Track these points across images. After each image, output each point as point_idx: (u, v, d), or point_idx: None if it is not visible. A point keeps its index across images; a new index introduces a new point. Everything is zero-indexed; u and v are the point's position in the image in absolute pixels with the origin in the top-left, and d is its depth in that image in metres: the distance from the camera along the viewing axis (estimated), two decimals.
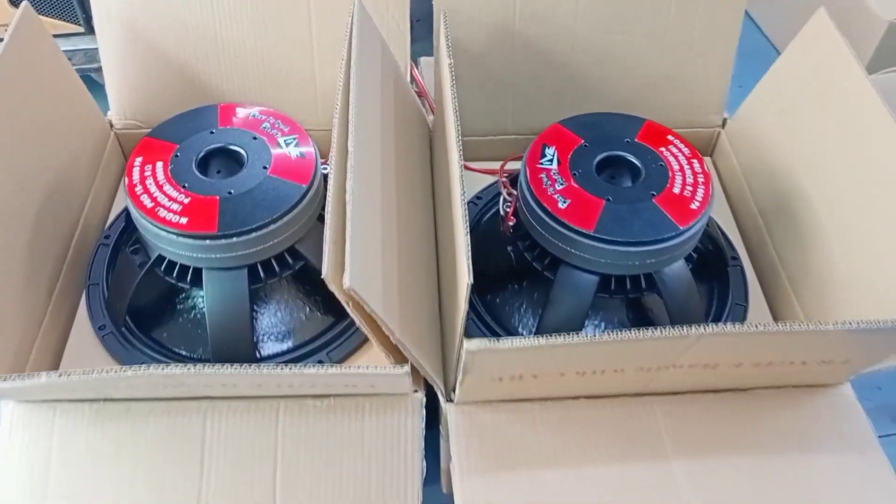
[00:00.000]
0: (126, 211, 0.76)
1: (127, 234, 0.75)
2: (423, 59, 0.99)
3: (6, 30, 1.04)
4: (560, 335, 0.48)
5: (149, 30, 0.77)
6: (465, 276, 0.51)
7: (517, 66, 0.80)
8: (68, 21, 1.03)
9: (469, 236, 0.51)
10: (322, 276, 0.49)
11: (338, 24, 0.78)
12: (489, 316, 0.71)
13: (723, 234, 0.77)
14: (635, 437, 0.60)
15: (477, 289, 0.73)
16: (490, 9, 0.76)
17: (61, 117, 0.74)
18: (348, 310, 0.53)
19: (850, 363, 0.58)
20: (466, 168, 0.85)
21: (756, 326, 0.49)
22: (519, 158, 0.77)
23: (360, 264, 0.50)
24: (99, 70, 0.85)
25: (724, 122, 0.87)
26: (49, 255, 0.70)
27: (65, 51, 1.02)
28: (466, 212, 0.53)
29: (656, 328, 0.48)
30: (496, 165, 0.85)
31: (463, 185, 0.55)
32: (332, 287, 0.50)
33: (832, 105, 0.71)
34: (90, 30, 1.02)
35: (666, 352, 0.52)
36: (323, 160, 0.71)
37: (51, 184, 0.71)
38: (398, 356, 0.57)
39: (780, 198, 0.75)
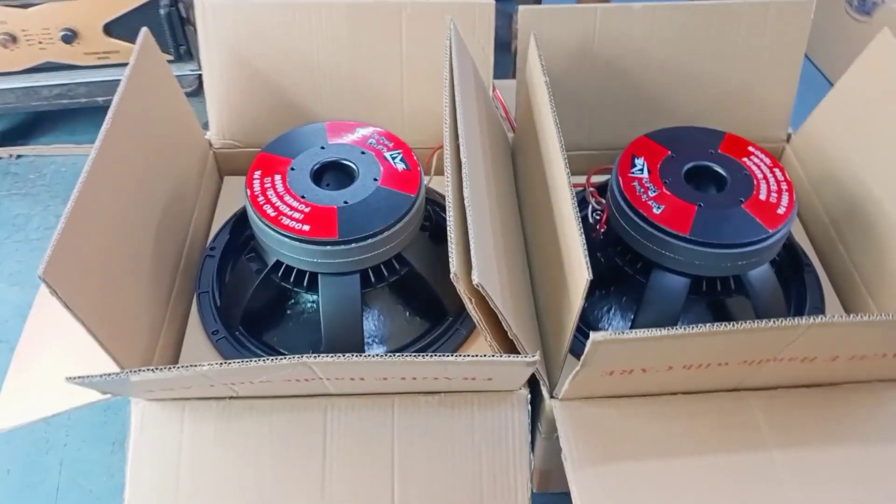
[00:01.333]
0: (230, 224, 0.81)
1: (232, 246, 0.79)
2: (496, 83, 1.03)
3: (98, 57, 1.11)
4: (681, 327, 0.52)
5: (251, 55, 0.83)
6: (583, 273, 0.55)
7: (593, 85, 0.85)
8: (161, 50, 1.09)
9: (584, 236, 0.55)
10: (451, 275, 0.53)
11: (425, 48, 0.83)
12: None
13: (795, 241, 0.81)
14: (734, 428, 0.63)
15: None
16: (571, 31, 0.81)
17: (174, 136, 0.79)
18: (469, 307, 0.57)
19: None
20: None
21: (862, 316, 0.52)
22: (602, 171, 0.81)
23: (484, 262, 0.55)
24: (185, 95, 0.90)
25: (789, 136, 0.91)
26: (167, 263, 0.75)
27: None
28: (578, 212, 0.57)
29: (768, 320, 0.52)
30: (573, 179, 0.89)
31: (572, 188, 0.60)
32: (460, 284, 0.54)
33: None
34: (179, 58, 1.09)
35: (774, 343, 0.56)
36: None
37: (167, 198, 0.76)
38: (509, 352, 0.61)
39: (851, 205, 0.79)
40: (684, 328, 0.52)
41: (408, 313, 0.75)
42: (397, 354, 0.55)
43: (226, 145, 0.88)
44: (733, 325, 0.52)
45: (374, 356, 0.54)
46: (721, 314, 0.75)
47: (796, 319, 0.52)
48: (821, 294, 0.77)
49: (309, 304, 0.74)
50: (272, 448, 0.64)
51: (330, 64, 0.83)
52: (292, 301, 0.75)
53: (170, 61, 1.09)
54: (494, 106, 0.88)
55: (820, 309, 0.75)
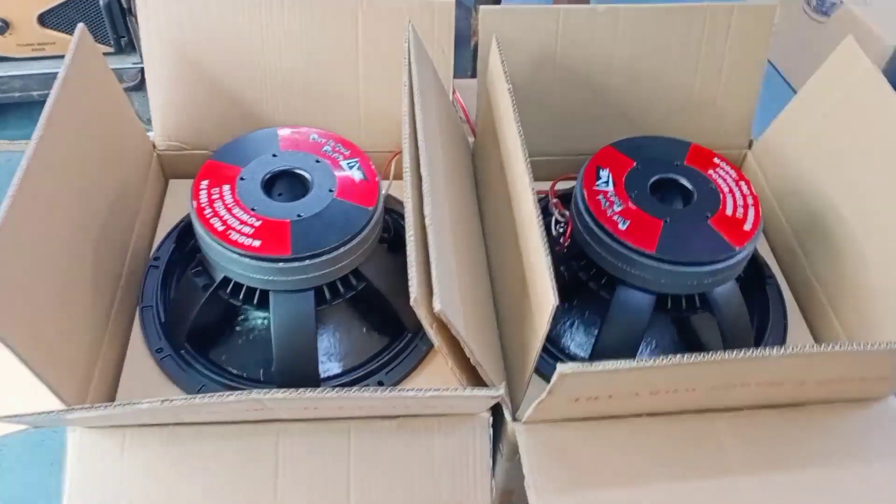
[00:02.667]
0: (175, 232, 0.77)
1: (177, 256, 0.75)
2: (456, 82, 1.00)
3: (32, 49, 1.04)
4: (650, 358, 0.50)
5: (196, 53, 0.78)
6: (549, 298, 0.52)
7: (557, 89, 0.83)
8: (100, 42, 1.02)
9: (550, 256, 0.53)
10: (411, 301, 0.50)
11: (383, 48, 0.80)
12: None
13: (757, 251, 0.80)
14: (701, 451, 0.61)
15: None
16: (533, 35, 0.79)
17: (114, 139, 0.74)
18: (430, 332, 0.54)
19: None
20: None
21: (834, 346, 0.51)
22: (566, 179, 0.79)
23: (447, 287, 0.52)
24: (127, 90, 0.85)
25: (751, 143, 0.90)
26: (108, 275, 0.70)
27: None
28: (544, 233, 0.55)
29: (743, 350, 0.50)
30: (536, 186, 0.87)
31: (538, 207, 0.57)
32: (420, 310, 0.51)
33: (863, 128, 0.74)
34: (119, 50, 1.03)
35: (742, 371, 0.55)
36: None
37: (107, 204, 0.71)
38: (471, 378, 0.59)
39: (813, 216, 0.78)
40: (653, 359, 0.51)
41: (365, 329, 0.72)
42: (354, 389, 0.52)
43: (171, 147, 0.83)
44: (703, 356, 0.50)
45: (328, 391, 0.51)
46: (685, 329, 0.73)
47: (766, 350, 0.51)
48: (783, 307, 0.76)
49: (260, 321, 0.70)
50: (219, 478, 0.60)
51: (281, 64, 0.79)
52: (242, 318, 0.71)
53: (110, 54, 1.04)
54: (455, 109, 0.85)
55: (782, 323, 0.75)
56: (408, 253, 0.53)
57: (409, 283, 0.51)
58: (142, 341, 0.71)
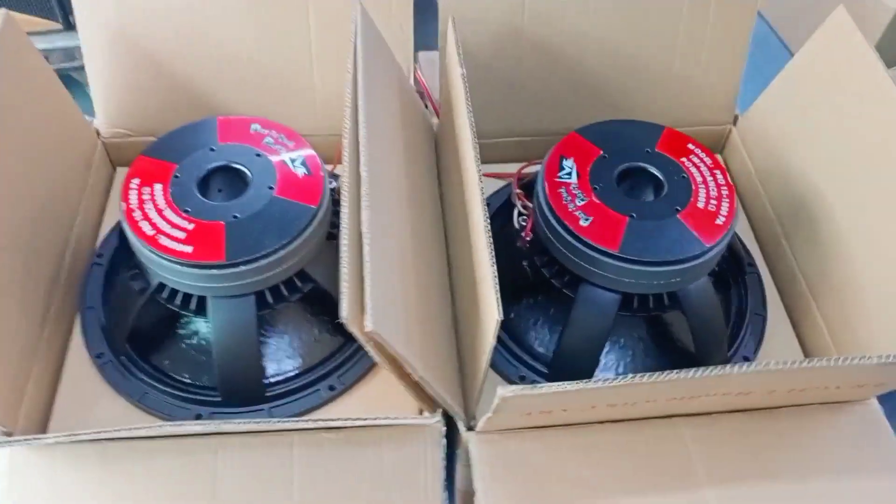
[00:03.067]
0: (119, 227, 0.73)
1: (122, 253, 0.71)
2: (421, 56, 0.95)
3: None
4: (599, 379, 0.46)
5: (137, 34, 0.73)
6: (493, 312, 0.49)
7: (525, 67, 0.77)
8: (45, 17, 0.97)
9: (495, 268, 0.49)
10: (341, 320, 0.46)
11: (338, 28, 0.74)
12: (504, 332, 0.68)
13: (738, 238, 0.75)
14: (665, 462, 0.58)
15: None
16: (497, 9, 0.73)
17: (47, 128, 0.70)
18: (368, 349, 0.50)
19: (884, 385, 0.57)
20: None
21: (798, 363, 0.47)
22: (532, 166, 0.74)
23: (381, 304, 0.48)
24: (80, 69, 0.80)
25: (736, 118, 0.84)
26: (42, 276, 0.67)
27: (42, 49, 0.97)
28: (491, 244, 0.50)
29: (697, 369, 0.46)
30: (504, 168, 0.82)
31: (486, 214, 0.53)
32: (353, 329, 0.47)
33: (852, 105, 0.69)
34: (69, 26, 0.97)
35: (704, 385, 0.51)
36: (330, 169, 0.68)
37: (41, 199, 0.67)
38: (419, 392, 0.55)
39: (798, 200, 0.74)
40: (603, 380, 0.47)
41: (316, 331, 0.68)
42: (300, 420, 0.48)
43: (116, 134, 0.79)
44: (656, 377, 0.46)
45: (271, 423, 0.48)
46: (658, 326, 0.69)
47: (727, 368, 0.47)
48: (763, 298, 0.72)
49: (203, 325, 0.67)
50: (156, 494, 0.57)
51: (229, 46, 0.74)
52: (185, 321, 0.67)
53: (58, 31, 0.98)
54: (417, 90, 0.80)
55: (761, 316, 0.70)
56: (340, 265, 0.49)
57: (340, 300, 0.47)
58: (83, 345, 0.68)
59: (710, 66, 0.80)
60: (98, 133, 0.79)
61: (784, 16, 1.28)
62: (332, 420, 0.50)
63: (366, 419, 0.51)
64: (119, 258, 0.71)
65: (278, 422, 0.49)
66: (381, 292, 0.49)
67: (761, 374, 0.48)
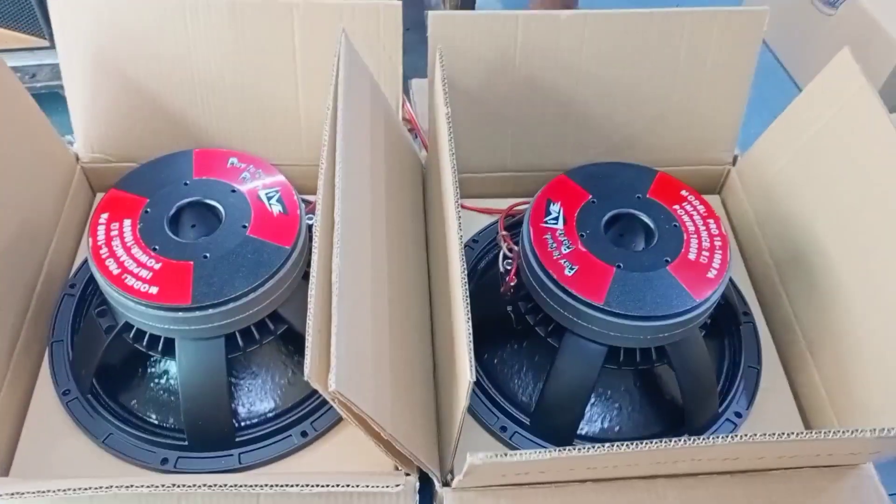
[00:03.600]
0: None
1: (94, 285, 0.69)
2: (414, 83, 0.93)
3: None
4: (575, 447, 0.44)
5: (117, 59, 0.71)
6: (466, 374, 0.46)
7: (516, 101, 0.75)
8: (33, 34, 0.95)
9: (471, 332, 0.46)
10: (305, 376, 0.44)
11: (323, 53, 0.72)
12: (486, 378, 0.66)
13: (733, 284, 0.73)
14: None
15: (474, 346, 0.68)
16: (489, 41, 0.71)
17: (21, 152, 0.68)
18: (335, 406, 0.47)
19: (880, 454, 0.54)
20: (462, 206, 0.79)
21: (786, 436, 0.44)
22: (519, 208, 0.72)
23: (347, 362, 0.45)
24: None
25: (735, 159, 0.82)
26: (10, 307, 0.64)
27: (29, 66, 0.96)
28: (468, 302, 0.48)
29: (679, 438, 0.44)
30: (494, 203, 0.80)
31: (464, 271, 0.50)
32: (317, 387, 0.45)
33: (853, 150, 0.66)
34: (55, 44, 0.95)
35: (686, 454, 0.48)
36: (309, 205, 0.65)
37: (12, 227, 0.65)
38: (390, 448, 0.52)
39: (797, 247, 0.71)
40: (578, 448, 0.44)
41: (290, 373, 0.65)
42: (266, 475, 0.46)
43: (95, 159, 0.76)
44: (636, 445, 0.44)
45: (239, 487, 0.45)
46: (646, 378, 0.66)
47: (711, 438, 0.44)
48: (758, 350, 0.69)
49: (172, 365, 0.64)
50: None
51: (211, 71, 0.72)
52: (152, 360, 0.65)
53: (45, 48, 0.96)
54: (404, 122, 0.77)
55: (756, 369, 0.68)
56: (308, 317, 0.46)
57: (305, 355, 0.45)
58: (50, 380, 0.65)
59: (710, 101, 0.77)
60: (77, 158, 0.76)
61: (790, 46, 1.26)
62: (299, 485, 0.47)
63: (335, 485, 0.48)
64: (91, 290, 0.69)
65: (240, 484, 0.46)
66: (348, 348, 0.46)
67: (748, 445, 0.45)
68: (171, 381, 0.64)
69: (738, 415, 0.64)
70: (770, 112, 0.78)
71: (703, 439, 0.44)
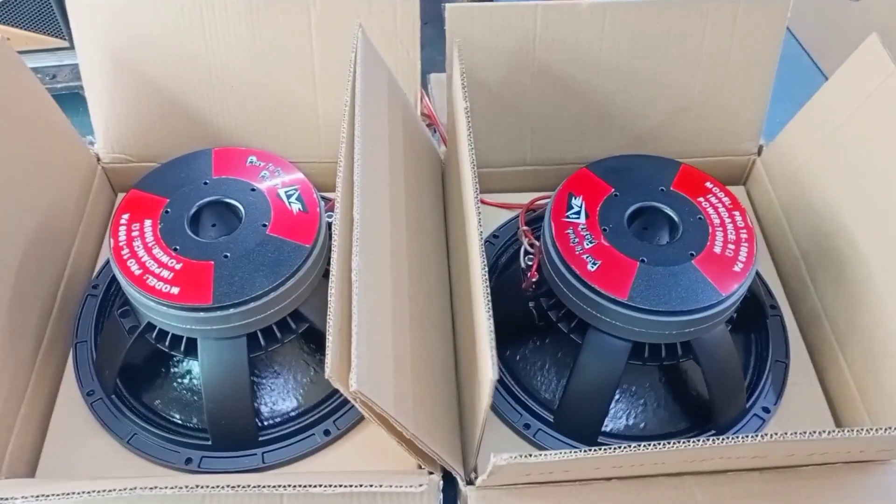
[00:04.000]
0: None
1: (117, 285, 0.69)
2: (433, 77, 0.92)
3: None
4: (600, 448, 0.43)
5: (136, 59, 0.71)
6: (488, 372, 0.45)
7: (536, 94, 0.74)
8: (53, 35, 0.96)
9: (493, 330, 0.46)
10: (326, 376, 0.44)
11: (341, 50, 0.71)
12: (509, 375, 0.65)
13: (759, 277, 0.71)
14: None
15: (496, 342, 0.67)
16: (508, 34, 0.70)
17: (43, 154, 0.68)
18: (357, 406, 0.47)
19: None
20: (482, 202, 0.78)
21: (818, 434, 0.43)
22: (541, 202, 0.71)
23: (367, 361, 0.45)
24: None
25: (760, 148, 0.80)
26: (34, 309, 0.65)
27: (50, 67, 0.97)
28: (489, 298, 0.47)
29: (706, 438, 0.43)
30: (514, 198, 0.79)
31: (485, 271, 0.49)
32: (338, 387, 0.45)
33: (882, 138, 0.65)
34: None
35: (712, 453, 0.47)
36: (328, 203, 0.65)
37: (35, 228, 0.65)
38: (413, 447, 0.52)
39: (824, 238, 0.69)
40: (604, 448, 0.43)
41: (312, 371, 0.65)
42: (297, 486, 0.46)
43: (116, 160, 0.77)
44: (661, 444, 0.43)
45: (263, 488, 0.45)
46: (671, 373, 0.65)
47: (739, 437, 0.43)
48: (786, 344, 0.68)
49: (195, 365, 0.64)
50: None
51: (228, 69, 0.72)
52: (175, 360, 0.65)
53: (65, 48, 0.97)
54: (422, 117, 0.77)
55: (783, 363, 0.66)
56: (328, 316, 0.46)
57: (326, 355, 0.44)
58: (75, 381, 0.66)
59: (734, 91, 0.76)
60: (98, 158, 0.77)
61: (815, 33, 1.23)
62: (322, 485, 0.47)
63: (359, 485, 0.48)
64: (114, 290, 0.69)
65: (263, 485, 0.46)
66: (369, 347, 0.46)
67: (777, 444, 0.44)
68: (195, 381, 0.64)
69: (767, 410, 0.63)
70: (795, 101, 0.77)
71: (731, 439, 0.43)
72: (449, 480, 0.58)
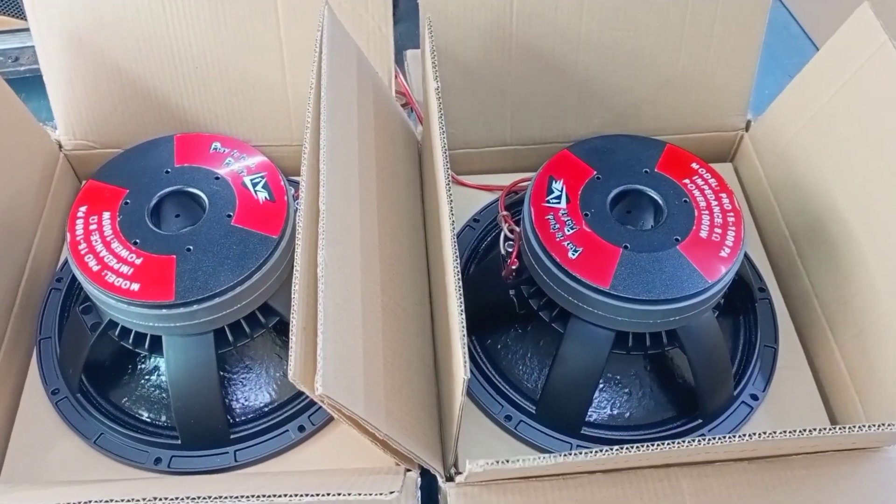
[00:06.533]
0: None
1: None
2: (409, 54, 0.88)
3: None
4: (580, 451, 0.41)
5: (94, 41, 0.68)
6: (461, 371, 0.43)
7: (514, 71, 0.71)
8: (14, 16, 0.92)
9: (465, 326, 0.43)
10: (289, 378, 0.41)
11: (310, 25, 0.68)
12: (489, 364, 0.63)
13: (748, 258, 0.69)
14: None
15: (476, 331, 0.65)
16: (483, 9, 0.67)
17: (0, 143, 0.65)
18: (325, 408, 0.45)
19: None
20: (461, 184, 0.76)
21: (807, 432, 0.41)
22: (524, 182, 0.69)
23: (334, 361, 0.43)
24: None
25: (748, 124, 0.77)
26: None
27: (12, 49, 0.93)
28: (461, 294, 0.44)
29: (693, 439, 0.41)
30: (494, 179, 0.76)
31: (457, 265, 0.47)
32: (303, 389, 0.42)
33: (875, 113, 0.62)
34: None
35: (701, 451, 0.45)
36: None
37: None
38: (388, 447, 0.50)
39: (814, 217, 0.67)
40: (585, 453, 0.41)
41: (286, 365, 0.63)
42: (262, 497, 0.43)
43: (79, 146, 0.73)
44: (645, 447, 0.41)
45: (225, 499, 0.43)
46: (657, 362, 0.63)
47: (727, 438, 0.41)
48: (774, 329, 0.66)
49: (162, 361, 0.62)
50: None
51: (191, 50, 0.68)
52: (142, 356, 0.62)
53: (27, 30, 0.92)
54: (398, 96, 0.74)
55: (772, 349, 0.64)
56: (291, 314, 0.44)
57: (289, 356, 0.42)
58: (39, 379, 0.63)
59: (720, 63, 0.73)
60: (60, 145, 0.73)
61: (805, 3, 1.20)
62: (293, 494, 0.45)
63: (335, 493, 0.45)
64: (78, 284, 0.66)
65: (226, 496, 0.44)
66: (336, 346, 0.44)
67: (767, 443, 0.42)
68: (162, 379, 0.62)
69: (755, 397, 0.61)
70: (784, 72, 0.74)
71: (718, 439, 0.41)
72: (428, 475, 0.56)
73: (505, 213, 0.63)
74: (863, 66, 0.63)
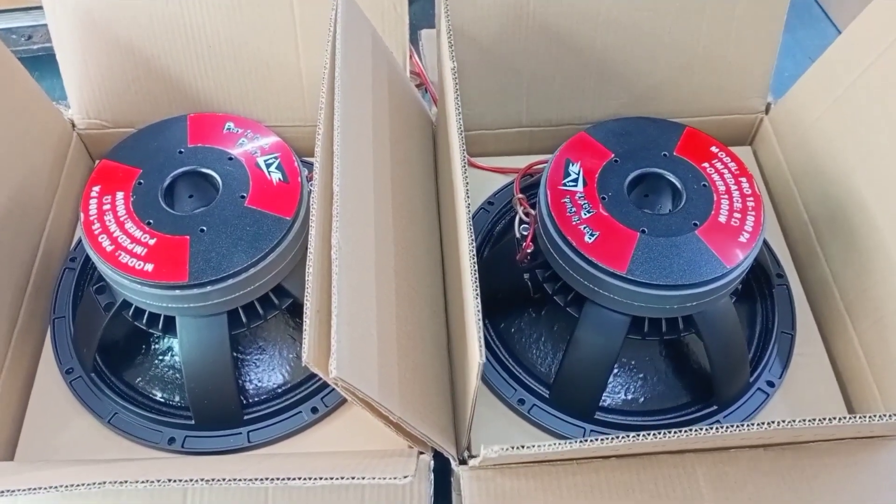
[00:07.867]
0: None
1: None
2: (423, 34, 0.88)
3: None
4: (595, 437, 0.40)
5: (108, 20, 0.67)
6: (476, 355, 0.43)
7: (531, 51, 0.70)
8: None
9: (481, 311, 0.43)
10: (303, 362, 0.41)
11: (324, 5, 0.67)
12: (503, 349, 0.63)
13: (766, 244, 0.68)
14: None
15: (489, 314, 0.65)
16: None
17: (13, 122, 0.65)
18: (338, 390, 0.45)
19: None
20: (475, 166, 0.75)
21: (828, 421, 0.41)
22: (540, 165, 0.68)
23: (348, 344, 0.42)
24: None
25: (768, 106, 0.76)
26: (8, 285, 0.62)
27: (25, 27, 0.92)
28: (476, 278, 0.44)
29: (709, 427, 0.40)
30: (509, 161, 0.75)
31: (473, 250, 0.46)
32: (318, 372, 0.42)
33: None
34: None
35: (715, 439, 0.45)
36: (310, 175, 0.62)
37: (6, 200, 0.62)
38: (401, 430, 0.50)
39: (835, 202, 0.66)
40: (600, 439, 0.41)
41: (299, 346, 0.63)
42: (275, 480, 0.43)
43: (92, 125, 0.73)
44: (661, 434, 0.41)
45: (239, 482, 0.43)
46: (673, 347, 0.63)
47: (745, 426, 0.41)
48: (792, 315, 0.65)
49: (175, 341, 0.62)
50: None
51: (205, 29, 0.68)
52: (156, 336, 0.62)
53: (40, 7, 0.92)
54: (412, 77, 0.73)
55: (790, 335, 0.64)
56: (306, 297, 0.43)
57: (303, 339, 0.42)
58: (54, 358, 0.63)
59: (740, 46, 0.72)
60: (73, 125, 0.73)
61: None
62: (307, 478, 0.44)
63: (349, 477, 0.45)
64: (91, 264, 0.66)
65: (240, 478, 0.44)
66: (350, 329, 0.43)
67: (784, 431, 0.42)
68: (176, 359, 0.62)
69: (771, 384, 0.61)
70: (806, 55, 0.73)
71: (736, 426, 0.41)
72: (441, 458, 0.56)
73: (520, 195, 0.62)
74: (886, 50, 0.62)
